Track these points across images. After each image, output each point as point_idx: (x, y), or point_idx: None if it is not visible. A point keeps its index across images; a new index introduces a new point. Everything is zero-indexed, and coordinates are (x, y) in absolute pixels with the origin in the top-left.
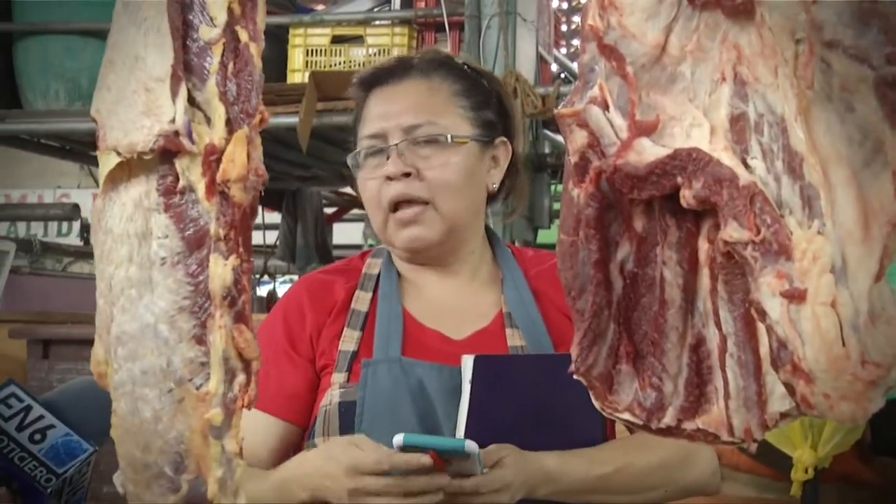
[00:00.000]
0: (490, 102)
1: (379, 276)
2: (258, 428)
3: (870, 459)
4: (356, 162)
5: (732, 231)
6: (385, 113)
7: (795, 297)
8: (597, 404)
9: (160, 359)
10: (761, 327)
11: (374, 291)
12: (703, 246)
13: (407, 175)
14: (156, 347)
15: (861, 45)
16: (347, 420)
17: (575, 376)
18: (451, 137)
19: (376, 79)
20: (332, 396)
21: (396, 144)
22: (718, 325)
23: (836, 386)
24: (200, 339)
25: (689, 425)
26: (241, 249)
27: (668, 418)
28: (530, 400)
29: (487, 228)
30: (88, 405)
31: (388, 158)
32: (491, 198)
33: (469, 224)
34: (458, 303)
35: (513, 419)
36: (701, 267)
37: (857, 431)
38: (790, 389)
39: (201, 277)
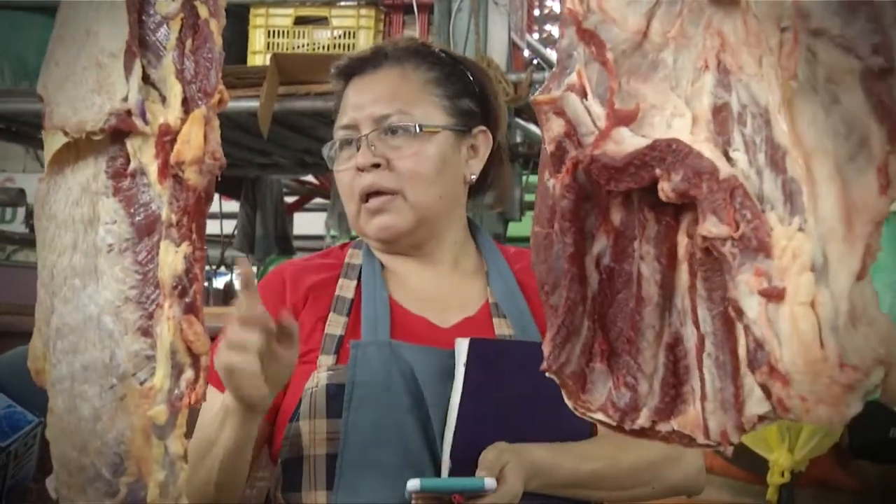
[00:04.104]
0: (469, 91)
1: (361, 266)
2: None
3: (848, 463)
4: (330, 153)
5: (711, 226)
6: (358, 103)
7: (774, 295)
8: (569, 403)
9: (103, 352)
10: (740, 327)
11: (358, 280)
12: (683, 241)
13: (377, 166)
14: (99, 340)
15: (848, 35)
16: (335, 402)
17: (547, 374)
18: (421, 127)
19: (352, 69)
20: (318, 379)
21: (366, 135)
22: (696, 323)
23: (812, 389)
24: (147, 332)
25: (664, 427)
26: (194, 237)
27: (643, 419)
28: (522, 387)
29: (471, 221)
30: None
31: (358, 149)
32: (475, 190)
33: (444, 214)
34: (443, 291)
35: (505, 405)
36: (679, 263)
37: (835, 434)
38: (766, 391)
39: (150, 266)
